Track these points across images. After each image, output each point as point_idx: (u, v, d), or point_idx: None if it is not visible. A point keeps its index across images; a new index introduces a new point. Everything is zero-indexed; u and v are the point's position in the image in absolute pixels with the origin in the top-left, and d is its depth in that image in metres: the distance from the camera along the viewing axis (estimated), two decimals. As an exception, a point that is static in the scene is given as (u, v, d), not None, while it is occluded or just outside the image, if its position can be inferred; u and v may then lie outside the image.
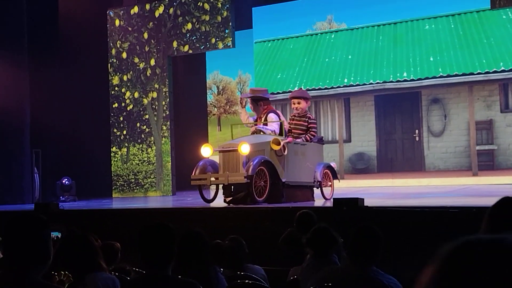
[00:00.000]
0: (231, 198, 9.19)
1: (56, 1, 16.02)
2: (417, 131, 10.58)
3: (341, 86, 10.83)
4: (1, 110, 13.96)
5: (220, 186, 9.43)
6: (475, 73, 10.01)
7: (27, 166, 14.16)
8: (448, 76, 10.05)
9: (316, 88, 11.12)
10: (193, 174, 9.25)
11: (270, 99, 10.25)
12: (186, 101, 17.75)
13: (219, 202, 9.34)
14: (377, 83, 10.62)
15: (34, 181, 14.26)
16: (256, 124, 9.96)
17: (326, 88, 11.11)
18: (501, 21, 10.19)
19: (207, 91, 17.48)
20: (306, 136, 9.84)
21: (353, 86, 10.79)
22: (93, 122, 16.46)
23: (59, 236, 6.00)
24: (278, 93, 10.59)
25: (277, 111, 10.26)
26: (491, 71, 9.91)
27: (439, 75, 10.13)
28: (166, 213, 9.10)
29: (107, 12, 16.33)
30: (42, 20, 15.53)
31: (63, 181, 14.93)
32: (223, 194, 9.35)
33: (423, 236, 6.64)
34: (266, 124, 9.81)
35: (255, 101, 9.98)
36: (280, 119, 9.76)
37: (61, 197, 14.53)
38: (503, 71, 9.84)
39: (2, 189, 13.61)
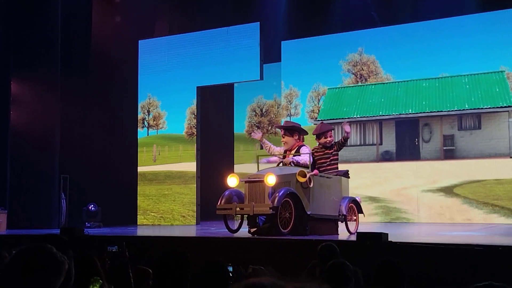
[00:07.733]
0: (255, 229, 9.15)
1: (89, 29, 16.30)
2: (416, 139, 15.83)
3: (378, 115, 16.16)
4: (33, 135, 14.12)
5: (245, 217, 9.41)
6: (443, 110, 15.33)
7: (55, 191, 14.27)
8: (430, 112, 15.50)
9: (365, 116, 16.26)
10: (218, 203, 9.23)
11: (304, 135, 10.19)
12: (213, 130, 17.85)
13: (244, 232, 9.29)
14: (395, 114, 16.07)
15: (61, 206, 14.36)
16: (285, 156, 9.91)
17: (370, 116, 16.27)
18: (460, 84, 15.25)
19: (252, 113, 17.91)
20: (340, 140, 9.97)
21: (384, 115, 16.06)
22: (121, 149, 16.58)
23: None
24: (344, 118, 14.70)
25: (308, 146, 10.12)
26: (450, 109, 15.26)
27: (425, 111, 15.57)
28: (189, 242, 9.09)
29: (138, 41, 16.57)
30: (75, 46, 15.79)
31: (89, 207, 15.03)
32: (248, 224, 9.29)
33: (448, 273, 6.59)
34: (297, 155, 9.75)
35: (290, 133, 9.99)
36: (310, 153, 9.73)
37: (86, 223, 14.61)
38: (457, 110, 15.23)
39: (30, 213, 13.70)
